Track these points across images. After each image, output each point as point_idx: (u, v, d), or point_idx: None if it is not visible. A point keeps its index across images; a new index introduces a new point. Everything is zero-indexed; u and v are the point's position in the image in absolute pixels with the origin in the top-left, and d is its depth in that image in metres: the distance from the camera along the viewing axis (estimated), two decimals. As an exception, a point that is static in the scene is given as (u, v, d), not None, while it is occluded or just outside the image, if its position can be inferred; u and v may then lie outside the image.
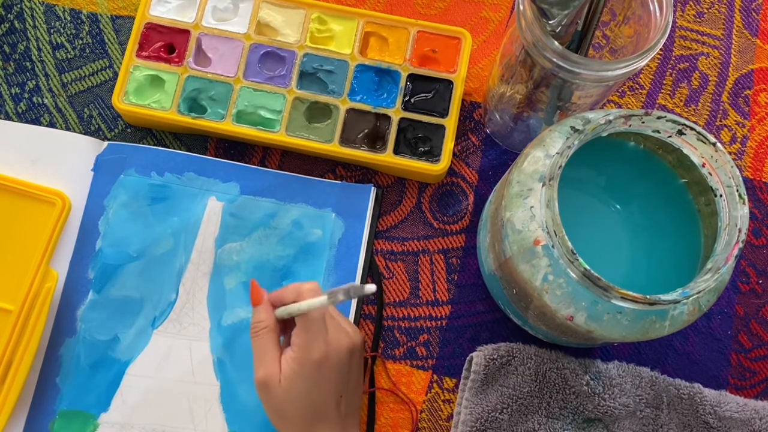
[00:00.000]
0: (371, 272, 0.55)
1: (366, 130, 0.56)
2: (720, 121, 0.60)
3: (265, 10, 0.59)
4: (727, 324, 0.55)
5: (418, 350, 0.54)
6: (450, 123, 0.56)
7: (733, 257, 0.39)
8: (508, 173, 0.46)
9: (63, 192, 0.55)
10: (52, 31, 0.60)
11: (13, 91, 0.59)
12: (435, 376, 0.54)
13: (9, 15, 0.61)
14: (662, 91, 0.61)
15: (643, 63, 0.42)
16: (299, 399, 0.44)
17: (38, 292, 0.52)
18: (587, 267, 0.38)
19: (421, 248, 0.56)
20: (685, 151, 0.43)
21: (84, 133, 0.58)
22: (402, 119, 0.56)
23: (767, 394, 0.54)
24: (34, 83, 0.59)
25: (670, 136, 0.42)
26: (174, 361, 0.53)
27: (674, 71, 0.61)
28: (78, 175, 0.56)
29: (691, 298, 0.39)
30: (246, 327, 0.53)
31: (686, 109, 0.60)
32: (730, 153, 0.59)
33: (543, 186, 0.40)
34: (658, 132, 0.42)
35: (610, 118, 0.40)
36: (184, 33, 0.58)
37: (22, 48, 0.60)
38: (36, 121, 0.58)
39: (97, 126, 0.59)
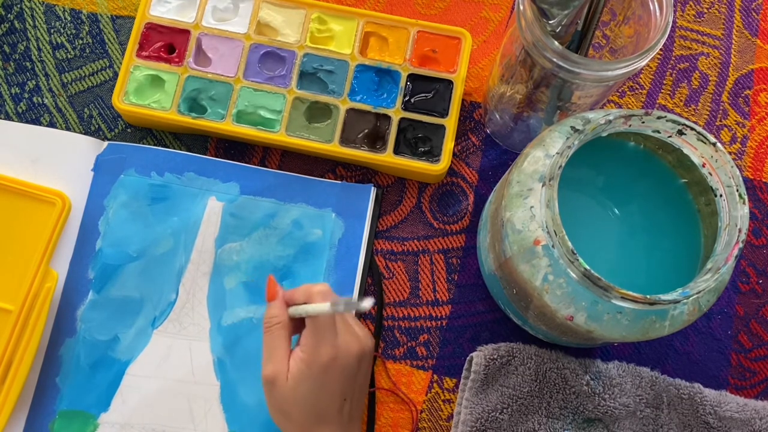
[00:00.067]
0: (371, 272, 0.55)
1: (366, 130, 0.56)
2: (720, 121, 0.60)
3: (265, 10, 0.59)
4: (727, 324, 0.55)
5: (418, 350, 0.54)
6: (450, 123, 0.56)
7: (733, 257, 0.39)
8: (508, 173, 0.46)
9: (63, 192, 0.55)
10: (52, 31, 0.60)
11: (13, 91, 0.59)
12: (435, 376, 0.54)
13: (9, 15, 0.61)
14: (662, 91, 0.61)
15: (643, 63, 0.42)
16: (304, 400, 0.44)
17: (38, 292, 0.52)
18: (587, 267, 0.38)
19: (421, 248, 0.56)
20: (685, 151, 0.43)
21: (84, 133, 0.58)
22: (402, 119, 0.56)
23: (767, 394, 0.54)
24: (34, 83, 0.59)
25: (670, 136, 0.42)
26: (174, 361, 0.53)
27: (674, 71, 0.61)
28: (78, 175, 0.56)
29: (691, 298, 0.39)
30: (246, 327, 0.53)
31: (686, 109, 0.60)
32: (730, 153, 0.59)
33: (543, 186, 0.40)
34: (658, 132, 0.42)
35: (610, 118, 0.40)
36: (184, 33, 0.58)
37: (22, 48, 0.60)
38: (36, 121, 0.58)
39: (97, 126, 0.59)
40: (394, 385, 0.53)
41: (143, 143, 0.58)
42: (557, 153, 0.41)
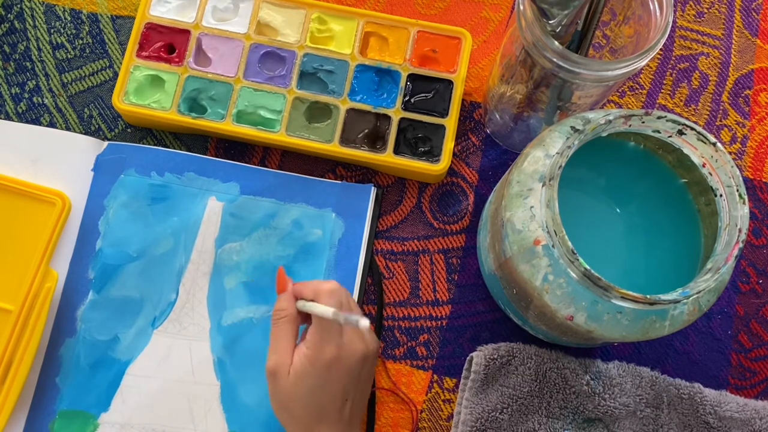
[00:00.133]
0: (371, 272, 0.55)
1: (366, 130, 0.56)
2: (720, 121, 0.60)
3: (265, 10, 0.59)
4: (727, 324, 0.55)
5: (418, 350, 0.54)
6: (450, 123, 0.56)
7: (733, 257, 0.39)
8: (508, 173, 0.46)
9: (63, 192, 0.55)
10: (52, 31, 0.60)
11: (13, 91, 0.59)
12: (435, 376, 0.54)
13: (9, 15, 0.61)
14: (662, 91, 0.61)
15: (643, 63, 0.42)
16: (305, 396, 0.44)
17: (38, 292, 0.52)
18: (587, 267, 0.38)
19: (421, 248, 0.56)
20: (685, 151, 0.43)
21: (84, 133, 0.58)
22: (402, 119, 0.56)
23: (767, 394, 0.54)
24: (34, 83, 0.59)
25: (670, 136, 0.42)
26: (174, 361, 0.53)
27: (674, 71, 0.61)
28: (78, 175, 0.56)
29: (691, 298, 0.39)
30: (246, 327, 0.53)
31: (686, 109, 0.60)
32: (730, 153, 0.59)
33: (543, 186, 0.40)
34: (658, 132, 0.42)
35: (610, 118, 0.40)
36: (184, 33, 0.58)
37: (22, 48, 0.60)
38: (36, 121, 0.58)
39: (97, 126, 0.59)
40: (394, 385, 0.53)
41: (143, 143, 0.58)
42: (557, 153, 0.41)
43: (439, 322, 0.55)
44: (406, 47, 0.58)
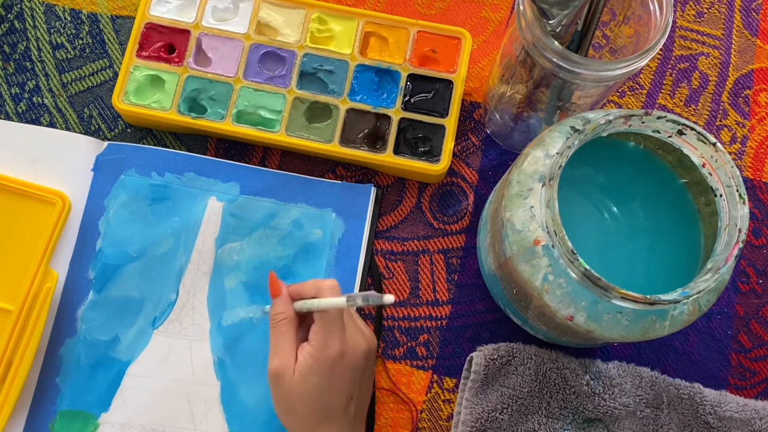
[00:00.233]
0: (371, 272, 0.55)
1: (366, 130, 0.56)
2: (720, 121, 0.60)
3: (265, 10, 0.59)
4: (727, 324, 0.55)
5: (418, 350, 0.54)
6: (450, 123, 0.56)
7: (733, 257, 0.39)
8: (508, 173, 0.46)
9: (63, 192, 0.55)
10: (52, 31, 0.60)
11: (13, 91, 0.59)
12: (435, 376, 0.54)
13: (9, 15, 0.61)
14: (662, 91, 0.61)
15: (643, 63, 0.42)
16: (310, 395, 0.44)
17: (38, 292, 0.52)
18: (587, 267, 0.38)
19: (421, 248, 0.56)
20: (685, 151, 0.43)
21: (84, 133, 0.58)
22: (402, 119, 0.56)
23: (767, 394, 0.54)
24: (34, 83, 0.59)
25: (670, 136, 0.42)
26: (174, 361, 0.53)
27: (674, 71, 0.61)
28: (78, 175, 0.56)
29: (691, 298, 0.39)
30: (246, 327, 0.53)
31: (686, 109, 0.60)
32: (730, 153, 0.59)
33: (543, 186, 0.40)
34: (658, 132, 0.42)
35: (610, 118, 0.40)
36: (184, 33, 0.58)
37: (22, 48, 0.60)
38: (36, 121, 0.58)
39: (97, 126, 0.59)
40: (394, 385, 0.53)
41: (143, 143, 0.58)
42: (557, 153, 0.41)
43: (439, 322, 0.55)
44: (406, 47, 0.58)
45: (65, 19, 0.61)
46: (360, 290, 0.54)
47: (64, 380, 0.52)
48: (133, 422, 0.51)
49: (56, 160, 0.56)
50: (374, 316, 0.55)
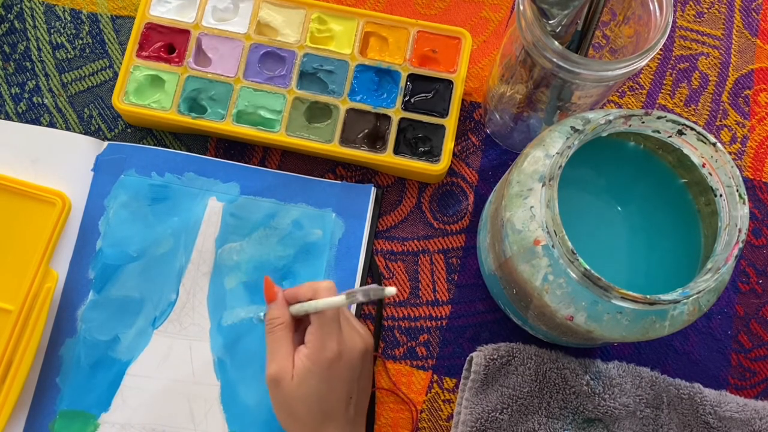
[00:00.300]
0: (371, 272, 0.55)
1: (366, 130, 0.56)
2: (720, 121, 0.60)
3: (265, 10, 0.59)
4: (727, 324, 0.55)
5: (418, 350, 0.54)
6: (450, 123, 0.56)
7: (733, 257, 0.39)
8: (508, 173, 0.46)
9: (63, 192, 0.55)
10: (52, 31, 0.60)
11: (13, 91, 0.59)
12: (435, 376, 0.54)
13: (9, 15, 0.61)
14: (662, 91, 0.61)
15: (643, 63, 0.42)
16: (310, 397, 0.44)
17: (38, 292, 0.52)
18: (587, 267, 0.38)
19: (421, 248, 0.56)
20: (685, 151, 0.43)
21: (84, 133, 0.58)
22: (402, 119, 0.56)
23: (767, 394, 0.54)
24: (34, 83, 0.59)
25: (670, 136, 0.42)
26: (174, 361, 0.53)
27: (674, 71, 0.61)
28: (78, 175, 0.56)
29: (691, 298, 0.39)
30: (246, 327, 0.53)
31: (686, 109, 0.60)
32: (730, 153, 0.59)
33: (543, 186, 0.40)
34: (658, 132, 0.42)
35: (610, 118, 0.40)
36: (184, 33, 0.58)
37: (22, 48, 0.60)
38: (36, 121, 0.58)
39: (97, 126, 0.59)
40: (394, 385, 0.53)
41: (143, 143, 0.58)
42: (557, 153, 0.41)
43: (439, 322, 0.55)
44: (406, 47, 0.58)
45: (65, 19, 0.61)
46: (360, 290, 0.54)
47: (64, 380, 0.52)
48: (133, 422, 0.51)
49: (56, 160, 0.56)
50: (374, 316, 0.55)
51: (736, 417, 0.50)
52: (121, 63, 0.60)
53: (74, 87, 0.59)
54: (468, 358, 0.52)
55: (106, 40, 0.60)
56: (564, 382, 0.50)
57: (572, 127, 0.44)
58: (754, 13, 0.62)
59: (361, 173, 0.58)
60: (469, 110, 0.60)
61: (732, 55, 0.61)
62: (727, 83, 0.61)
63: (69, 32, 0.60)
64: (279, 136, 0.56)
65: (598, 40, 0.52)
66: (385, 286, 0.39)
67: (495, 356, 0.51)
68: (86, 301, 0.53)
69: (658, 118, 0.41)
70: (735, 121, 0.60)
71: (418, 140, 0.56)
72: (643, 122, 0.41)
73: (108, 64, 0.60)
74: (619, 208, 0.47)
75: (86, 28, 0.61)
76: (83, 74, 0.60)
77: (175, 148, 0.58)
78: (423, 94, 0.57)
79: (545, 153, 0.43)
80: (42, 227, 0.54)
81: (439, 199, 0.58)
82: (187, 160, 0.56)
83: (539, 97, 0.50)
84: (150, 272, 0.54)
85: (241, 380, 0.52)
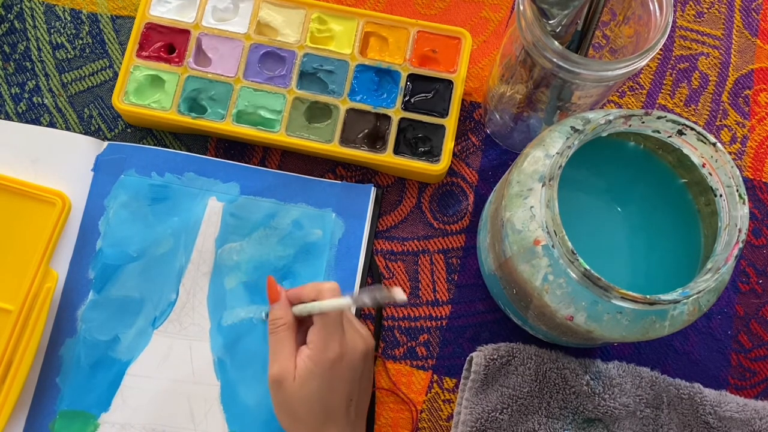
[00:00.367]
0: (371, 272, 0.55)
1: (366, 130, 0.56)
2: (720, 121, 0.60)
3: (265, 10, 0.59)
4: (727, 324, 0.55)
5: (418, 350, 0.54)
6: (450, 123, 0.56)
7: (733, 257, 0.39)
8: (508, 173, 0.46)
9: (63, 192, 0.55)
10: (52, 31, 0.60)
11: (13, 91, 0.59)
12: (435, 376, 0.54)
13: (9, 15, 0.61)
14: (662, 91, 0.61)
15: (643, 63, 0.42)
16: (312, 398, 0.44)
17: (38, 292, 0.52)
18: (587, 267, 0.38)
19: (421, 248, 0.56)
20: (685, 151, 0.43)
21: (84, 133, 0.58)
22: (402, 119, 0.56)
23: (767, 394, 0.54)
24: (34, 83, 0.59)
25: (670, 136, 0.42)
26: (174, 361, 0.53)
27: (674, 71, 0.61)
28: (78, 175, 0.56)
29: (691, 298, 0.39)
30: (246, 327, 0.53)
31: (686, 109, 0.60)
32: (730, 153, 0.59)
33: (543, 186, 0.40)
34: (658, 132, 0.42)
35: (610, 118, 0.40)
36: (184, 33, 0.58)
37: (22, 48, 0.60)
38: (36, 121, 0.58)
39: (97, 126, 0.59)
40: (394, 385, 0.53)
41: (143, 143, 0.58)
42: (557, 153, 0.41)
43: (439, 322, 0.55)
44: (406, 47, 0.58)
45: (65, 19, 0.61)
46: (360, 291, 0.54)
47: (64, 380, 0.52)
48: (133, 422, 0.51)
49: (56, 160, 0.56)
50: (374, 317, 0.55)
51: (736, 417, 0.50)
52: (121, 63, 0.60)
53: (74, 87, 0.59)
54: (468, 358, 0.52)
55: (106, 40, 0.60)
56: (564, 382, 0.50)
57: (572, 127, 0.44)
58: (754, 13, 0.62)
59: (361, 173, 0.58)
60: (469, 110, 0.60)
61: (732, 55, 0.61)
62: (727, 83, 0.61)
63: (69, 32, 0.60)
64: (279, 136, 0.56)
65: (598, 40, 0.52)
66: (391, 286, 0.38)
67: (495, 356, 0.51)
68: (86, 301, 0.53)
69: (658, 118, 0.41)
70: (735, 121, 0.60)
71: (418, 140, 0.56)
72: (643, 122, 0.41)
73: (108, 64, 0.60)
74: (619, 208, 0.47)
75: (86, 28, 0.61)
76: (83, 74, 0.60)
77: (175, 148, 0.58)
78: (423, 94, 0.57)
79: (545, 153, 0.43)
80: (42, 227, 0.54)
81: (439, 199, 0.58)
82: (187, 160, 0.56)
83: (539, 97, 0.50)
84: (150, 272, 0.54)
85: (241, 380, 0.52)
